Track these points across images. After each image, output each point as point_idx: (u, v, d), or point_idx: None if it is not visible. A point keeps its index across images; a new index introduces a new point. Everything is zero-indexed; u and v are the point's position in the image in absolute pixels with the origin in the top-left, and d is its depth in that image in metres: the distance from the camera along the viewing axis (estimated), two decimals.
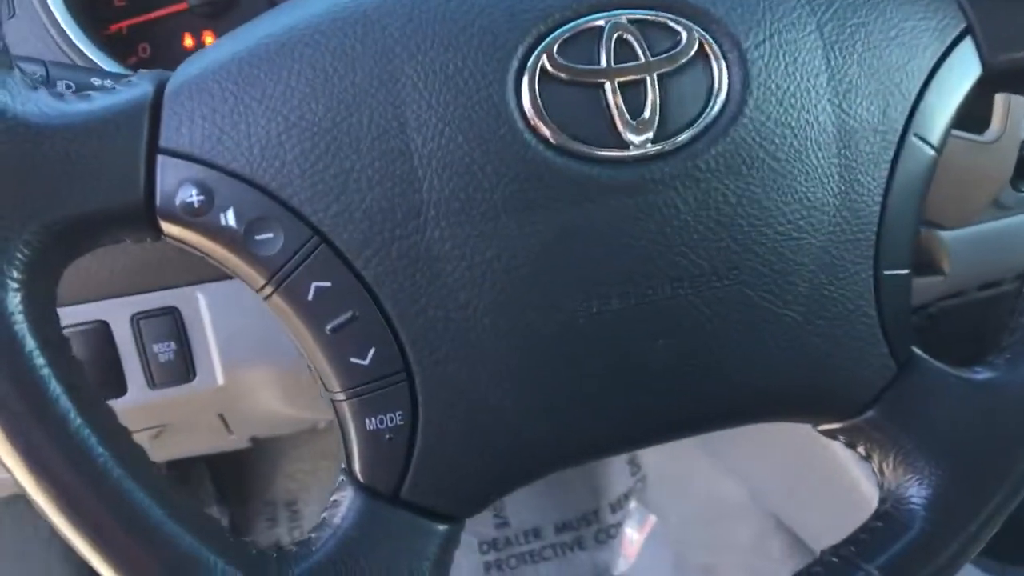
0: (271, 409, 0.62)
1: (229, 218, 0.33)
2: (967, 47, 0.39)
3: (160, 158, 0.32)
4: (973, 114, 0.62)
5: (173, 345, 0.53)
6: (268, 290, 0.34)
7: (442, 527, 0.36)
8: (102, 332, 0.52)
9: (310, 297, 0.33)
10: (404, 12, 0.34)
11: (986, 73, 0.39)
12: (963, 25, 0.39)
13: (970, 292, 0.82)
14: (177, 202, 0.33)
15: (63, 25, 0.49)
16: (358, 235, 0.33)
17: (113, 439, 0.32)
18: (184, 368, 0.53)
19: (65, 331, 0.52)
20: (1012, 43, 0.40)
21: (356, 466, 0.35)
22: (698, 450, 1.13)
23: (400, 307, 0.33)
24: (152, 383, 0.53)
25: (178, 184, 0.32)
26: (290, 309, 0.34)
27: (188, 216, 0.33)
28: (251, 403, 0.60)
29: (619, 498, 1.21)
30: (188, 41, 0.60)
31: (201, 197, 0.32)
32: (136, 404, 0.53)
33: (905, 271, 0.39)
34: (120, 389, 0.53)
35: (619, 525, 1.20)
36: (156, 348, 0.53)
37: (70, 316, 0.51)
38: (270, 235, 0.33)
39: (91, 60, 0.50)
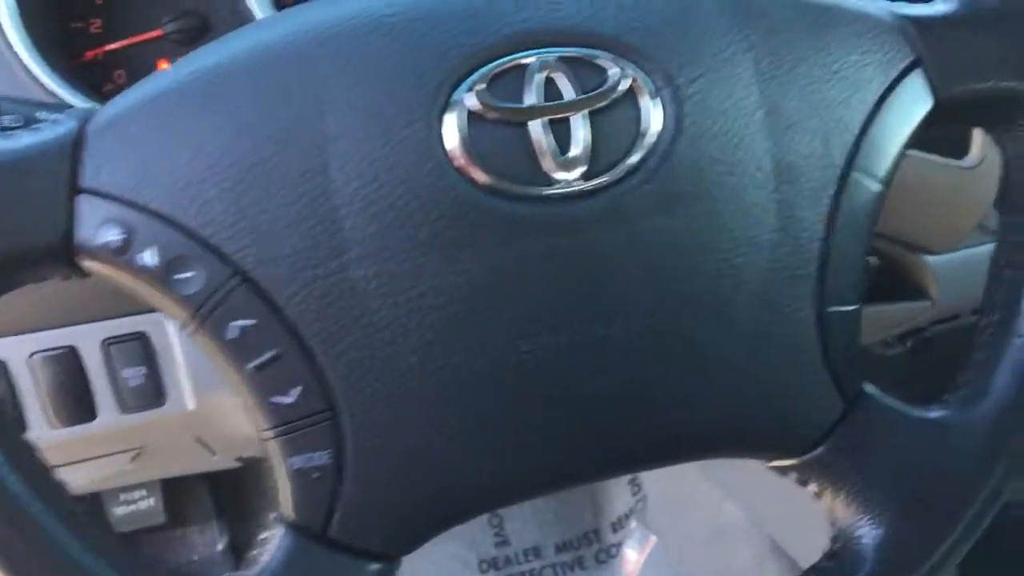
0: (248, 432, 0.62)
1: (150, 257, 0.33)
2: (916, 79, 0.38)
3: (81, 197, 0.33)
4: (953, 139, 0.61)
5: (144, 370, 0.53)
6: (191, 327, 0.34)
7: (374, 566, 0.35)
8: (71, 358, 0.52)
9: (232, 335, 0.33)
10: (330, 50, 0.33)
11: (938, 105, 0.39)
12: (911, 57, 0.38)
13: (964, 316, 0.80)
14: (98, 242, 0.33)
15: (24, 58, 0.49)
16: (280, 273, 0.33)
17: (31, 474, 0.32)
18: (155, 393, 0.54)
19: (34, 357, 0.52)
20: (965, 74, 0.39)
21: (284, 504, 0.35)
22: (699, 473, 1.12)
23: (324, 345, 0.33)
24: (123, 408, 0.53)
25: (99, 223, 0.32)
26: (214, 347, 0.33)
27: (110, 255, 0.33)
28: (226, 426, 0.60)
29: (620, 518, 1.20)
30: (164, 67, 0.61)
31: (122, 236, 0.32)
32: (108, 429, 0.54)
33: (852, 307, 0.38)
34: (90, 414, 0.53)
35: (619, 545, 1.19)
36: (126, 373, 0.53)
37: (39, 342, 0.51)
38: (191, 273, 0.33)
39: (54, 93, 0.50)
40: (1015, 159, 0.41)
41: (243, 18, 0.57)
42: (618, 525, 1.19)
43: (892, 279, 0.72)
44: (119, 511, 0.95)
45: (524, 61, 0.34)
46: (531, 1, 0.34)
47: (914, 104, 0.38)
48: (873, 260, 0.49)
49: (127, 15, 0.60)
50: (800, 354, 0.37)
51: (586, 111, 0.34)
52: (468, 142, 0.33)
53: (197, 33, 0.60)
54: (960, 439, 0.39)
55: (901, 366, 0.83)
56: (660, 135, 0.34)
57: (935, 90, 0.38)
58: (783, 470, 0.40)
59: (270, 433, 0.34)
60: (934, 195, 0.62)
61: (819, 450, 0.39)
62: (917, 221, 0.68)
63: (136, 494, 0.94)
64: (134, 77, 0.60)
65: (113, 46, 0.60)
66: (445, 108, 0.33)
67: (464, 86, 0.33)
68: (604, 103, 0.34)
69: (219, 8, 0.59)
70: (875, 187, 0.37)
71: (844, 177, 0.36)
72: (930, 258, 0.69)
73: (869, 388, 0.39)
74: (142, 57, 0.61)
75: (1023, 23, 0.39)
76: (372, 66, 0.33)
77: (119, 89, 0.60)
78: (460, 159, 0.33)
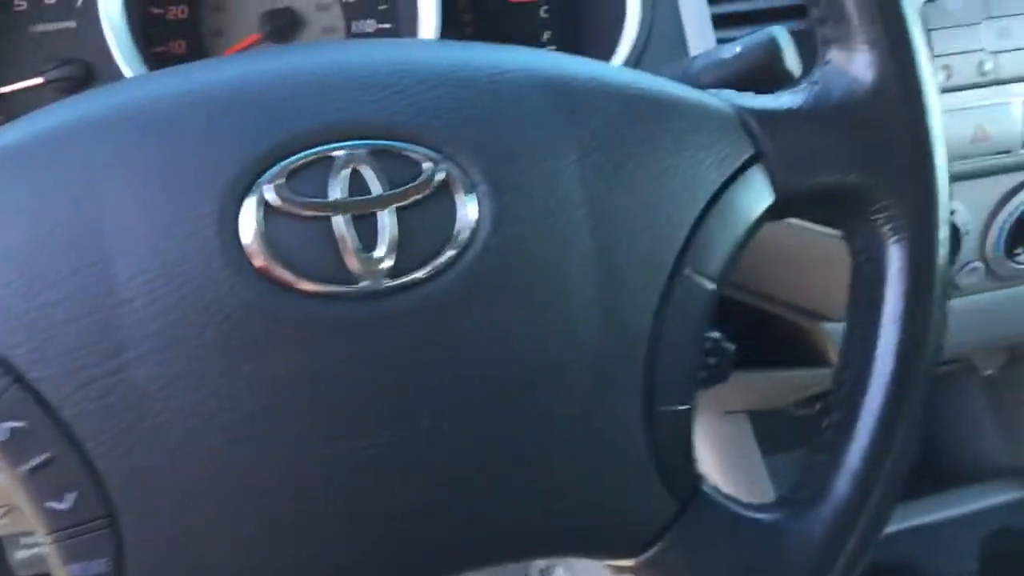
0: None
1: None
2: (756, 174, 0.37)
3: None
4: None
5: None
6: None
7: None
8: None
9: (3, 437, 0.31)
10: (117, 135, 0.32)
11: (779, 200, 0.38)
12: (751, 151, 0.37)
13: None
14: None
15: None
16: (54, 373, 0.31)
17: None
18: None
19: None
20: (809, 167, 0.38)
21: None
22: None
23: (101, 450, 0.31)
24: None
25: None
26: None
27: None
28: None
29: (548, 564, 1.18)
30: None
31: None
32: None
33: (683, 407, 0.37)
34: None
35: None
36: None
37: None
38: None
39: None
40: (862, 254, 0.40)
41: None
42: (547, 572, 1.18)
43: (794, 345, 0.72)
44: (19, 555, 0.93)
45: (332, 153, 0.32)
46: (344, 89, 0.33)
47: (753, 200, 0.37)
48: (729, 346, 0.48)
49: (8, 61, 0.59)
50: (628, 454, 0.36)
51: (394, 206, 0.32)
52: (266, 238, 0.31)
53: (80, 82, 0.59)
54: (794, 545, 0.38)
55: (813, 427, 0.83)
56: (475, 232, 0.33)
57: (776, 185, 0.38)
58: (619, 570, 0.39)
59: (47, 538, 0.32)
60: (827, 264, 0.62)
61: (653, 550, 0.37)
62: (812, 289, 0.67)
63: (37, 539, 0.93)
64: None
65: None
66: (241, 202, 0.31)
67: (264, 178, 0.32)
68: (414, 198, 0.32)
69: (100, 57, 0.57)
70: (708, 286, 0.36)
71: (674, 276, 0.35)
72: (828, 325, 0.68)
73: (705, 487, 0.38)
74: (23, 104, 0.59)
75: (868, 117, 0.38)
76: (160, 156, 0.31)
77: None
78: (257, 256, 0.31)
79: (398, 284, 0.32)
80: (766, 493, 0.83)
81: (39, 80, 0.59)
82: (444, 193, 0.33)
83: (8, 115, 0.59)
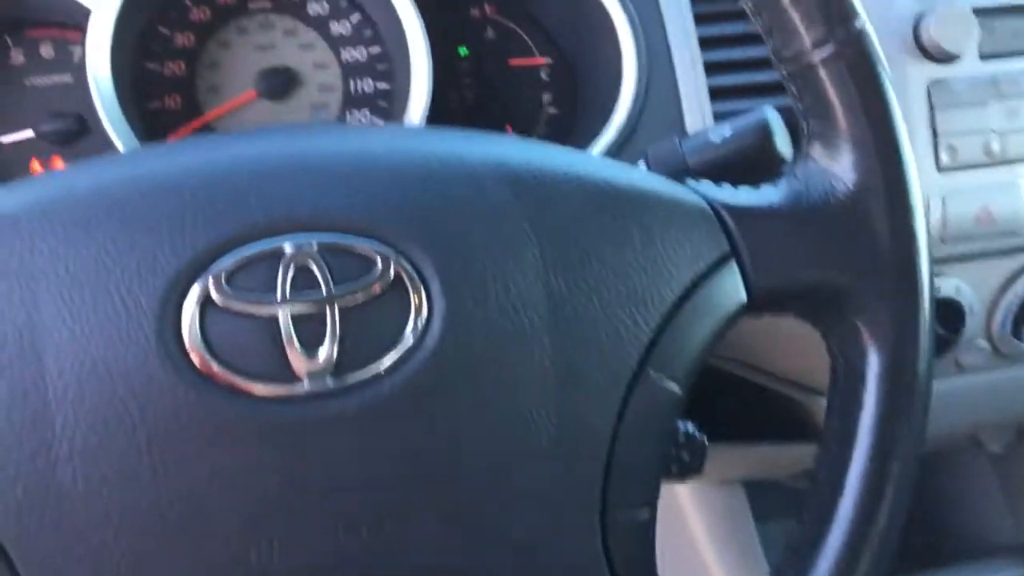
0: None
1: None
2: (729, 272, 0.36)
3: None
4: None
5: None
6: None
7: None
8: None
9: None
10: (56, 226, 0.31)
11: (753, 299, 0.37)
12: (724, 248, 0.36)
13: None
14: None
15: None
16: None
17: None
18: None
19: None
20: (785, 266, 0.37)
21: None
22: None
23: (23, 549, 0.30)
24: None
25: None
26: None
27: None
28: None
29: None
30: (36, 166, 0.59)
31: None
32: None
33: (643, 515, 0.35)
34: None
35: None
36: None
37: None
38: None
39: None
40: (839, 357, 0.39)
41: None
42: None
43: (788, 418, 0.70)
44: None
45: (280, 247, 0.31)
46: (294, 180, 0.32)
47: (724, 298, 0.36)
48: (702, 439, 0.47)
49: (3, 113, 0.59)
50: (584, 562, 0.35)
51: (341, 305, 0.31)
52: (203, 336, 0.31)
53: (73, 135, 0.59)
54: None
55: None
56: (425, 331, 0.32)
57: (750, 283, 0.36)
58: None
59: None
60: (819, 339, 0.60)
61: None
62: (805, 363, 0.65)
63: None
64: (3, 177, 0.59)
65: None
66: (183, 298, 0.31)
67: (208, 272, 0.31)
68: (363, 296, 0.32)
69: (94, 111, 0.57)
70: (673, 388, 0.35)
71: (636, 378, 0.34)
72: (821, 399, 0.66)
73: None
74: (13, 156, 0.59)
75: (849, 218, 0.37)
76: (102, 246, 0.31)
77: None
78: (193, 353, 0.31)
79: (341, 386, 0.31)
80: (759, 564, 0.81)
81: (30, 133, 0.59)
82: (395, 291, 0.32)
83: (1, 168, 0.59)
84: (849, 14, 0.36)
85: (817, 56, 0.36)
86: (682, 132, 0.58)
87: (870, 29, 0.36)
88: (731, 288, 0.36)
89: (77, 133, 0.59)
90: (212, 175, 0.32)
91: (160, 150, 0.34)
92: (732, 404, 0.67)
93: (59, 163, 0.59)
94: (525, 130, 0.66)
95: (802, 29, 0.36)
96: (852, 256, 0.37)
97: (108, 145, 0.54)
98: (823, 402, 0.66)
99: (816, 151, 0.38)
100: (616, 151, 0.58)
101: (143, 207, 0.31)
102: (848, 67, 0.36)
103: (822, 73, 0.36)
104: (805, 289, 0.37)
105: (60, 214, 0.31)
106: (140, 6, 0.57)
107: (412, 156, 0.33)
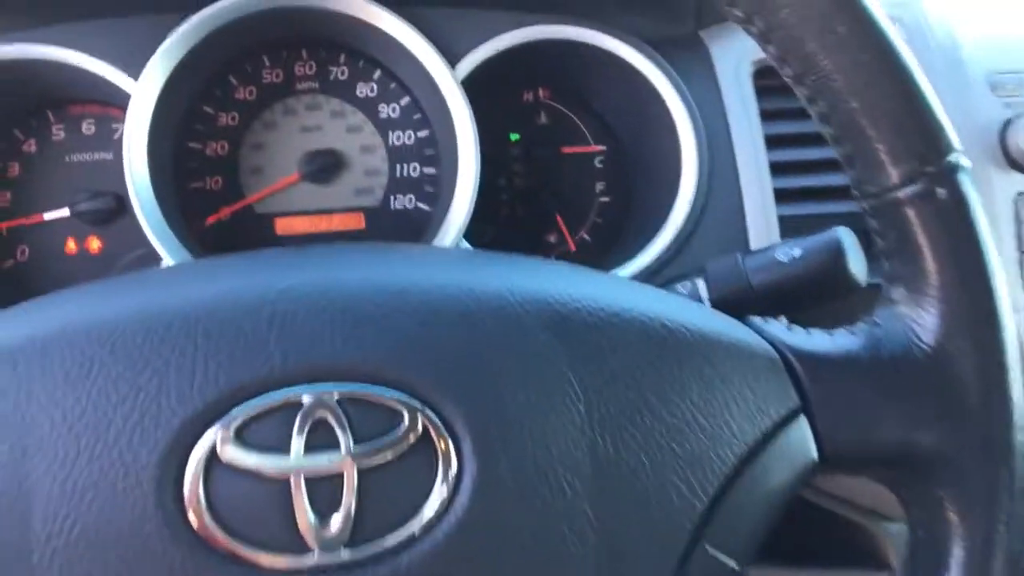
0: None
1: None
2: (799, 429, 0.32)
3: None
4: None
5: None
6: None
7: None
8: None
9: None
10: (54, 362, 0.28)
11: (826, 458, 0.33)
12: (795, 403, 0.32)
13: None
14: None
15: None
16: None
17: None
18: None
19: None
20: (861, 425, 0.33)
21: None
22: None
23: None
24: None
25: None
26: None
27: None
28: None
29: None
30: (71, 246, 0.58)
31: None
32: None
33: None
34: None
35: None
36: None
37: None
38: None
39: None
40: (919, 528, 0.34)
41: None
42: None
43: (854, 544, 0.65)
44: None
45: (297, 398, 0.28)
46: (317, 322, 0.29)
47: (792, 460, 0.32)
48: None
49: (43, 189, 0.58)
50: None
51: (360, 466, 0.28)
52: (207, 498, 0.28)
53: (109, 214, 0.57)
54: None
55: None
56: (452, 497, 0.28)
57: (822, 442, 0.33)
58: None
59: None
60: None
61: None
62: (872, 487, 0.61)
63: None
64: (38, 254, 0.57)
65: (18, 221, 0.57)
66: (188, 454, 0.28)
67: (216, 426, 0.28)
68: (386, 456, 0.28)
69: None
70: (730, 565, 0.31)
71: (688, 554, 0.30)
72: (891, 526, 0.62)
73: None
74: (49, 234, 0.58)
75: (936, 375, 0.33)
76: (102, 389, 0.28)
77: (20, 265, 0.58)
78: (195, 517, 0.28)
79: (357, 559, 0.28)
80: None
81: (65, 212, 0.57)
82: (421, 450, 0.28)
83: (33, 244, 0.57)
84: (943, 148, 0.32)
85: (904, 194, 0.32)
86: (744, 241, 0.54)
87: (966, 163, 0.32)
88: (801, 448, 0.32)
89: (114, 212, 0.57)
90: (228, 312, 0.29)
91: (173, 276, 0.31)
92: (794, 527, 0.62)
93: (97, 242, 0.58)
94: (577, 219, 0.63)
95: (888, 162, 0.32)
96: (936, 421, 0.33)
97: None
98: (890, 528, 0.62)
99: (899, 295, 0.34)
100: (673, 254, 0.55)
101: (149, 347, 0.28)
102: (940, 209, 0.32)
103: (910, 213, 0.32)
104: (883, 451, 0.33)
105: (60, 352, 0.29)
106: (184, 85, 0.56)
107: (446, 292, 0.30)
